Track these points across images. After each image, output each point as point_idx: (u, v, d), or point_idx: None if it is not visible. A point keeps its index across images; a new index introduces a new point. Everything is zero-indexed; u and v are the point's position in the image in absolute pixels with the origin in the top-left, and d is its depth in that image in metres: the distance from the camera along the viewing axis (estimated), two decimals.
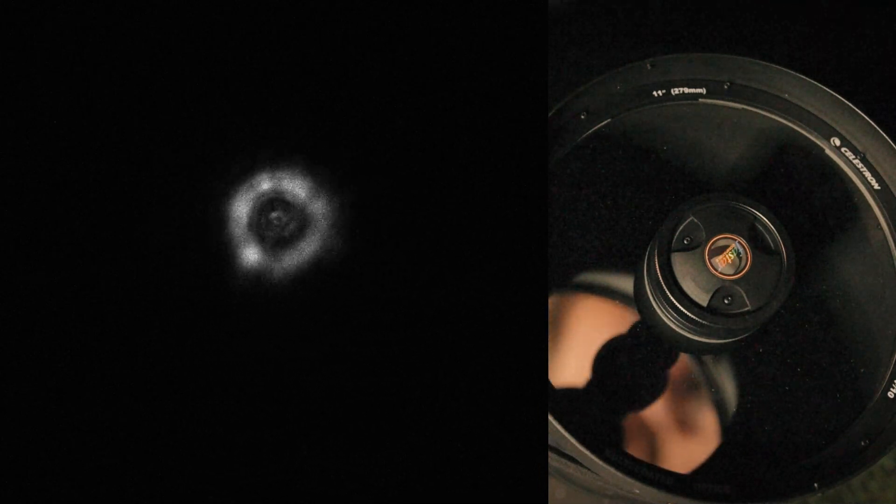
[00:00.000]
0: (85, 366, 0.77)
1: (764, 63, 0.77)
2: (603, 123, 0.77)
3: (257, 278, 0.79)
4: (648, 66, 0.77)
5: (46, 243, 0.77)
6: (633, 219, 0.77)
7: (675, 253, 0.69)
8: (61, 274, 0.77)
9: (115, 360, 0.77)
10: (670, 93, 0.78)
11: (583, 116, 0.77)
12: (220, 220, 0.79)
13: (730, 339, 0.72)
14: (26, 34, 0.74)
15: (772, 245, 0.69)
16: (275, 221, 0.80)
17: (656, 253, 0.69)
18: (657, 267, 0.69)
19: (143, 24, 0.76)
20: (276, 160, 0.79)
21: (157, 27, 0.77)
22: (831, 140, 0.77)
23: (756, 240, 0.69)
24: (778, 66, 0.77)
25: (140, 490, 0.76)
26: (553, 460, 0.75)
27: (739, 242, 0.68)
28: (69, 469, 0.76)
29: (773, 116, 0.78)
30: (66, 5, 0.74)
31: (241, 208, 0.79)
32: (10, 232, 0.75)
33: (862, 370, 0.75)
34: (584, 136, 0.77)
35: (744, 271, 0.68)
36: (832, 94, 0.77)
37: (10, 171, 0.74)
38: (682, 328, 0.71)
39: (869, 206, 0.77)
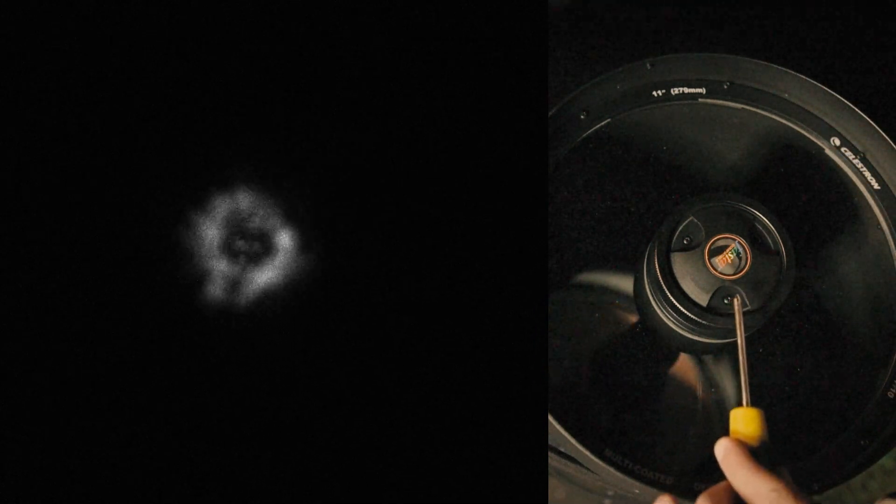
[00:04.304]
0: (49, 380, 0.77)
1: (764, 63, 0.78)
2: (603, 123, 0.77)
3: (228, 299, 0.80)
4: (648, 66, 0.77)
5: (22, 254, 0.77)
6: (633, 219, 0.78)
7: (675, 253, 0.69)
8: (32, 288, 0.77)
9: (84, 373, 0.78)
10: (670, 93, 0.78)
11: (583, 116, 0.77)
12: (191, 239, 0.79)
13: (730, 339, 0.72)
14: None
15: (772, 245, 0.69)
16: (245, 243, 0.80)
17: (656, 253, 0.69)
18: (657, 267, 0.69)
19: (120, 44, 0.76)
20: (251, 178, 0.79)
21: (137, 46, 0.77)
22: (831, 140, 0.78)
23: (756, 240, 0.69)
24: (778, 66, 0.77)
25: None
26: (553, 460, 0.76)
27: (739, 242, 0.68)
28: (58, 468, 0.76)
29: (773, 116, 0.78)
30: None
31: (213, 228, 0.79)
32: None
33: (862, 370, 0.75)
34: (584, 136, 0.77)
35: (744, 271, 0.68)
36: (832, 94, 0.77)
37: None
38: (682, 328, 0.71)
39: (869, 206, 0.77)
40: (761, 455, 0.60)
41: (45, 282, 0.78)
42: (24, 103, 0.77)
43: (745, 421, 0.61)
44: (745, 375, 0.64)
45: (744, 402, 0.63)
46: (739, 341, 0.65)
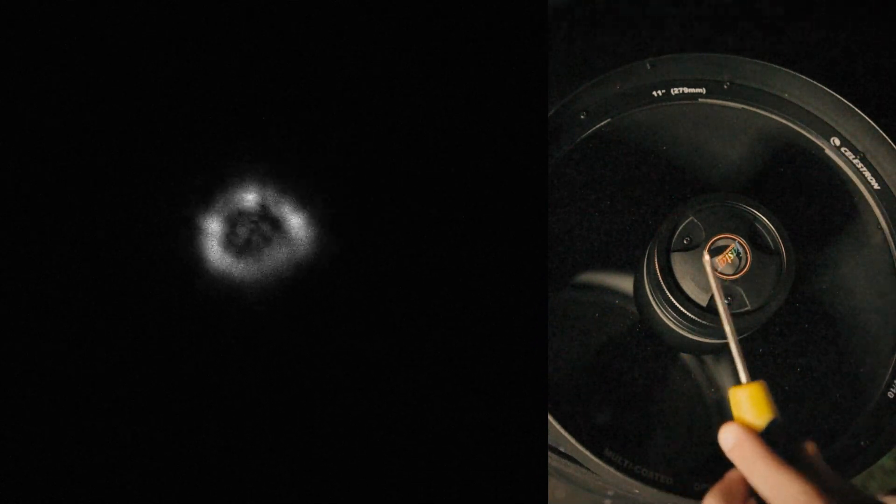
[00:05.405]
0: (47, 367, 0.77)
1: (764, 63, 0.77)
2: (603, 123, 0.77)
3: (228, 287, 0.80)
4: (648, 66, 0.77)
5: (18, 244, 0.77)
6: (633, 219, 0.77)
7: (675, 253, 0.69)
8: (27, 276, 0.77)
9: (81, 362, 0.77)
10: (670, 93, 0.78)
11: (583, 116, 0.77)
12: (192, 228, 0.79)
13: None
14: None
15: (772, 245, 0.69)
16: (247, 232, 0.80)
17: (656, 253, 0.69)
18: (657, 267, 0.69)
19: (123, 36, 0.76)
20: (250, 172, 0.79)
21: (138, 38, 0.77)
22: (831, 140, 0.77)
23: (756, 240, 0.69)
24: (778, 66, 0.77)
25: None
26: (553, 460, 0.75)
27: (739, 242, 0.68)
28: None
29: (773, 116, 0.78)
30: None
31: (215, 218, 0.79)
32: None
33: (862, 370, 0.75)
34: (584, 136, 0.77)
35: (744, 271, 0.68)
36: (832, 94, 0.77)
37: None
38: (682, 328, 0.71)
39: (869, 206, 0.77)
40: (776, 437, 0.51)
41: (42, 272, 0.78)
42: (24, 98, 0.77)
43: (749, 400, 0.52)
44: (737, 349, 0.54)
45: (742, 379, 0.54)
46: (723, 316, 0.57)
